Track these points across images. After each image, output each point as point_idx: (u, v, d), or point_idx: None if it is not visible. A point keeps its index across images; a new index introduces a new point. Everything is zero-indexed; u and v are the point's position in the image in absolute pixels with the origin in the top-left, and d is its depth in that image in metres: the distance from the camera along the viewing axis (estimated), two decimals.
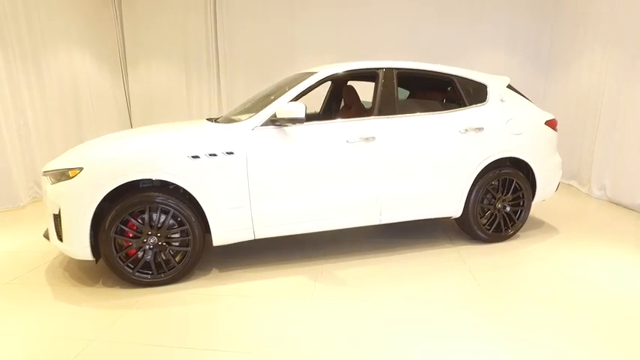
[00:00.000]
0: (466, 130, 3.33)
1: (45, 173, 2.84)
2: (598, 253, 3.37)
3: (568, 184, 5.78)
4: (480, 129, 3.37)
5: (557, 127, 3.83)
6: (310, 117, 3.00)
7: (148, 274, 2.81)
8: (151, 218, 2.78)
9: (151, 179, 2.73)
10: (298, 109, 2.80)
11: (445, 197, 3.37)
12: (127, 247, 2.75)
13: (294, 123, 2.86)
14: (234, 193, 2.85)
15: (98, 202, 2.63)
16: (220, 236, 2.91)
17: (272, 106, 2.96)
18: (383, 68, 3.31)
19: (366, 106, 3.78)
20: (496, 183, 3.51)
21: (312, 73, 3.20)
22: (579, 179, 5.54)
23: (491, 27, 6.20)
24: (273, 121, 2.91)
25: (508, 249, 3.50)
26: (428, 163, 3.26)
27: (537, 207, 4.58)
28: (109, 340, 2.23)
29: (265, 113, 2.93)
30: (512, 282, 2.89)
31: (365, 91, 3.97)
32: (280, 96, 3.03)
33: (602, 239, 3.69)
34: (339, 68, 3.22)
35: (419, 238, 3.77)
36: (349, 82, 4.10)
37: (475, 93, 3.53)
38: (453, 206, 3.42)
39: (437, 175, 3.30)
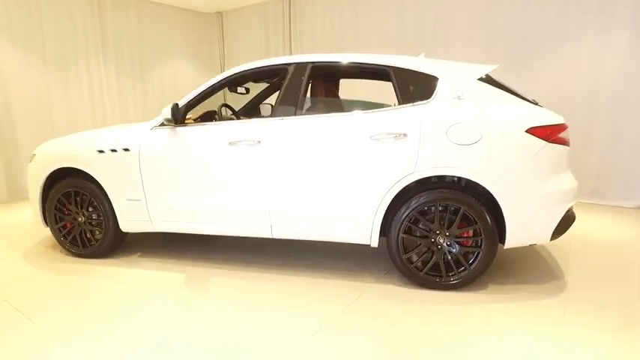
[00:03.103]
0: (379, 135, 2.60)
1: None
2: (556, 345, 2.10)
3: None
4: (402, 135, 2.57)
5: (565, 137, 2.52)
6: None
7: (76, 246, 3.38)
8: (84, 201, 3.32)
9: None
10: (166, 111, 2.84)
11: (348, 219, 2.72)
12: (63, 221, 3.37)
13: (169, 123, 2.91)
14: (131, 187, 3.10)
15: (42, 182, 3.32)
16: (124, 224, 3.21)
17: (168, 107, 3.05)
18: (293, 64, 2.92)
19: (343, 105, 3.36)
20: (442, 210, 2.61)
21: None
22: None
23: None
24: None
25: (437, 301, 2.56)
26: (322, 174, 2.71)
27: (595, 249, 3.08)
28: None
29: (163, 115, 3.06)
30: (353, 336, 2.14)
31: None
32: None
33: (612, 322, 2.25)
34: (240, 68, 3.02)
35: (353, 264, 3.15)
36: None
37: (417, 88, 2.70)
38: (360, 232, 2.73)
39: (334, 191, 2.70)
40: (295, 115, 2.80)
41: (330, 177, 2.70)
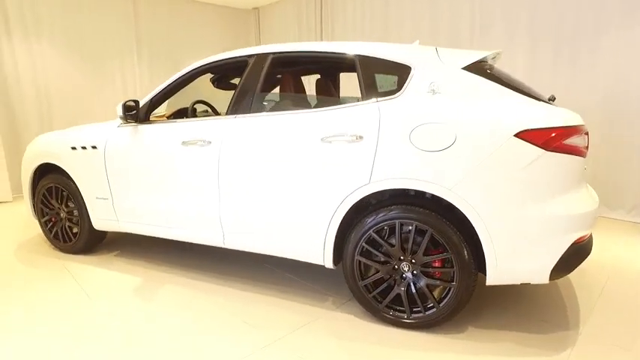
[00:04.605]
0: (331, 137, 2.17)
1: None
2: None
3: None
4: (356, 138, 2.11)
5: (575, 143, 1.87)
6: None
7: (57, 240, 3.41)
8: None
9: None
10: (118, 109, 2.69)
11: (298, 234, 2.33)
12: (48, 215, 3.42)
13: (123, 121, 2.77)
14: (99, 185, 3.02)
15: (30, 176, 3.39)
16: (96, 222, 3.15)
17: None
18: (254, 55, 2.59)
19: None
20: (410, 230, 2.10)
21: None
22: None
23: None
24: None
25: (396, 344, 2.08)
26: (271, 180, 2.35)
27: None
28: None
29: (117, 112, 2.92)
30: None
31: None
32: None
33: None
34: (202, 62, 2.76)
35: (320, 284, 2.75)
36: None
37: (386, 80, 2.22)
38: (312, 250, 2.32)
39: (283, 201, 2.33)
40: (249, 113, 2.48)
41: (279, 184, 2.33)
